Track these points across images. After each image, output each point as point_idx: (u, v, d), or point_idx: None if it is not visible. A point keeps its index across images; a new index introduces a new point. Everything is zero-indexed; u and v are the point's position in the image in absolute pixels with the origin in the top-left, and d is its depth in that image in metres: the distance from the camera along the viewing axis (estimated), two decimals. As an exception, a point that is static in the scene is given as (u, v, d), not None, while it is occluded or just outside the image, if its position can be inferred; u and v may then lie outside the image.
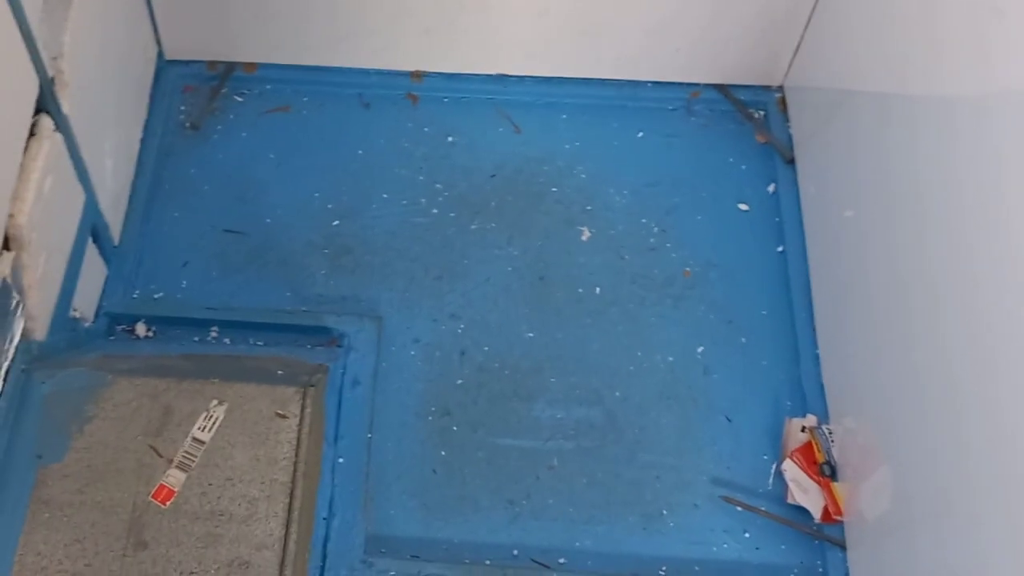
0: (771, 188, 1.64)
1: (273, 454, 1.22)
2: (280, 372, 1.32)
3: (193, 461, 1.21)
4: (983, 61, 1.06)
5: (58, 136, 1.30)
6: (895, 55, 1.28)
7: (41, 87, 1.26)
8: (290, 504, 1.20)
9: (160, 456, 1.21)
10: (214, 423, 1.23)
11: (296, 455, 1.23)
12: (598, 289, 1.56)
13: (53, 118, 1.29)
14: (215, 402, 1.25)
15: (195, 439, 1.23)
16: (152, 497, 1.19)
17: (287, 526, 1.19)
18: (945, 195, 1.13)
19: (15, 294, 1.22)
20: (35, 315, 1.28)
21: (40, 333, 1.30)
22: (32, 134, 1.26)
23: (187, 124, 1.68)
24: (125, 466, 1.21)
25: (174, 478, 1.20)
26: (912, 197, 1.21)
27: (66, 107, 1.31)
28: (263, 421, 1.24)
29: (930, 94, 1.18)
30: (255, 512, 1.19)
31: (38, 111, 1.27)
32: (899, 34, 1.27)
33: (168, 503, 1.19)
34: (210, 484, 1.20)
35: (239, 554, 1.17)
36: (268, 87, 1.72)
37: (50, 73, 1.28)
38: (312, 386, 1.27)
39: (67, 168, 1.34)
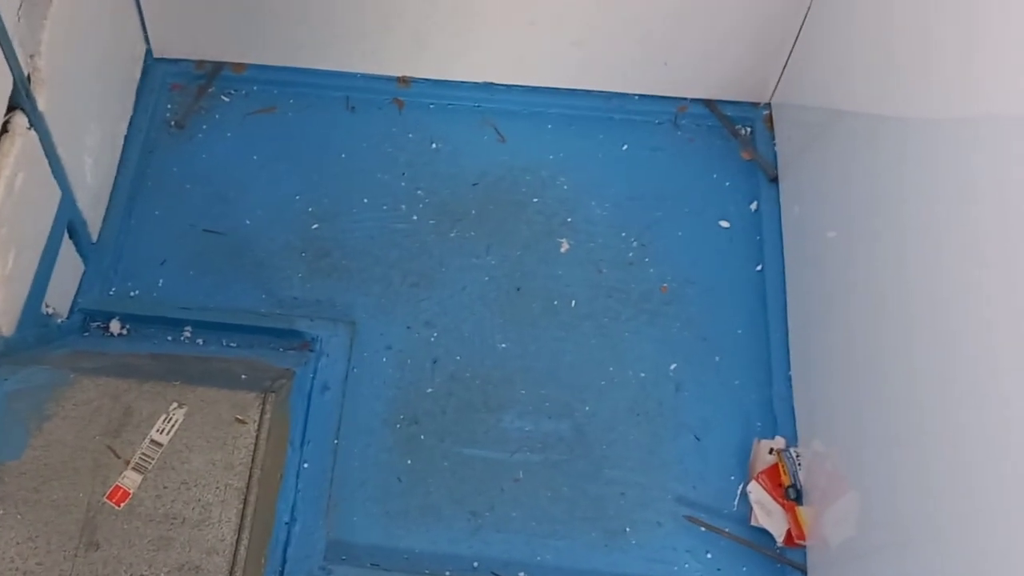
0: (753, 206, 1.62)
1: (230, 459, 1.22)
2: (244, 376, 1.32)
3: (150, 463, 1.22)
4: (968, 83, 1.05)
5: (32, 134, 1.30)
6: (882, 76, 1.26)
7: (15, 84, 1.27)
8: (243, 510, 1.20)
9: (117, 457, 1.22)
10: (173, 426, 1.24)
11: (253, 461, 1.22)
12: (574, 302, 1.56)
13: (28, 115, 1.30)
14: (175, 405, 1.25)
15: (153, 441, 1.23)
16: (107, 498, 1.20)
17: (239, 532, 1.19)
18: (927, 220, 1.11)
19: (-20, 290, 1.23)
20: (3, 310, 1.29)
21: (7, 329, 1.31)
22: (5, 131, 1.27)
23: (172, 122, 1.68)
24: (82, 466, 1.21)
25: (130, 480, 1.21)
26: (894, 220, 1.20)
27: (42, 104, 1.32)
28: (222, 425, 1.24)
29: (916, 116, 1.17)
30: (208, 517, 1.19)
31: (12, 108, 1.28)
32: (886, 55, 1.26)
33: (122, 504, 1.19)
34: (165, 487, 1.21)
35: (190, 558, 1.17)
36: (255, 88, 1.72)
37: (26, 70, 1.28)
38: (273, 392, 1.27)
39: (41, 165, 1.35)
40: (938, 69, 1.12)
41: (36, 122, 1.31)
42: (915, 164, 1.15)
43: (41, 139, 1.33)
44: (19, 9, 1.26)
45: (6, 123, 1.27)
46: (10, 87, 1.26)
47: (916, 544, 1.08)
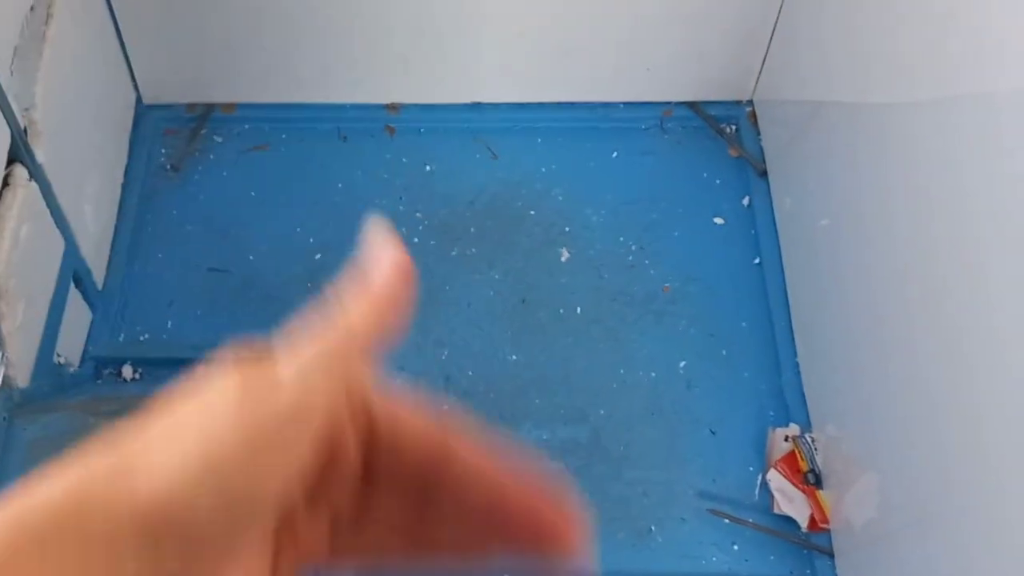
0: (745, 201, 1.65)
1: (255, 488, 1.23)
2: (261, 407, 1.33)
3: (176, 499, 1.22)
4: (939, 65, 1.07)
5: (33, 185, 1.32)
6: (857, 64, 1.29)
7: (13, 138, 1.28)
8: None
9: (144, 495, 1.22)
10: (196, 460, 1.25)
11: (278, 488, 1.24)
12: (579, 309, 1.58)
13: (27, 168, 1.31)
14: (196, 439, 1.26)
15: (178, 477, 1.24)
16: (137, 536, 1.20)
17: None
18: (914, 201, 1.13)
19: (-6, 343, 1.24)
20: (16, 363, 1.30)
21: (22, 380, 1.32)
22: (6, 184, 1.28)
23: (168, 166, 1.70)
24: (109, 507, 1.22)
25: (158, 516, 1.21)
26: (883, 204, 1.22)
27: (40, 156, 1.34)
28: (245, 456, 1.25)
29: (893, 101, 1.19)
30: (239, 546, 1.20)
31: (12, 161, 1.30)
32: (859, 44, 1.29)
33: (152, 542, 1.20)
34: (193, 521, 1.21)
35: None
36: (247, 126, 1.74)
37: (22, 124, 1.30)
38: (292, 419, 1.28)
39: (44, 216, 1.36)
40: (910, 53, 1.14)
41: (36, 174, 1.33)
42: (895, 147, 1.18)
43: (42, 190, 1.35)
44: (12, 64, 1.28)
45: (7, 176, 1.29)
46: (8, 141, 1.28)
47: (939, 518, 1.09)
